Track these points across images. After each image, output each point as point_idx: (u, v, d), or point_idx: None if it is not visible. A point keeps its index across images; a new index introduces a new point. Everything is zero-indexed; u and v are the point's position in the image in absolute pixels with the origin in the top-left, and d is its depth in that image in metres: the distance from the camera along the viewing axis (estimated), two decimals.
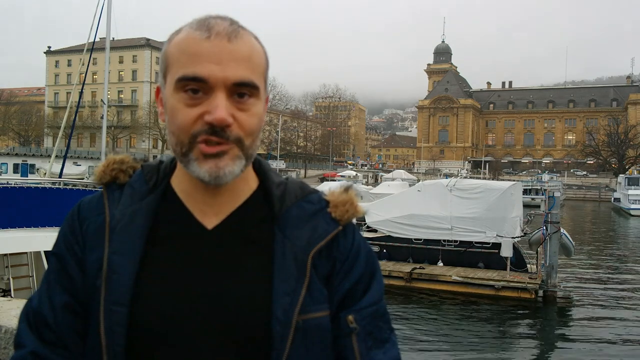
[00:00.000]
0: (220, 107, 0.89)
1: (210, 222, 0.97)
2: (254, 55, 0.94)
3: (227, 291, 0.93)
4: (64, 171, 15.77)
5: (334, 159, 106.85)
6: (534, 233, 15.54)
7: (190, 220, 0.97)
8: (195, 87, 0.90)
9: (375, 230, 16.92)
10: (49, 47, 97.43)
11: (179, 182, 1.01)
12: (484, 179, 48.63)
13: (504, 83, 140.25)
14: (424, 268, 15.74)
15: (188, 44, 0.91)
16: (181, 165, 0.96)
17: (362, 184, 51.99)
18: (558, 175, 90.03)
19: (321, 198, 1.04)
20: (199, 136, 0.90)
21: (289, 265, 0.95)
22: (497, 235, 15.34)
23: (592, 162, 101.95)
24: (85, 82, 18.51)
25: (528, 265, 15.50)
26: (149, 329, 0.90)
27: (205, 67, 0.89)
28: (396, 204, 17.12)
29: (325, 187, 1.11)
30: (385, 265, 15.72)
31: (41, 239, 7.00)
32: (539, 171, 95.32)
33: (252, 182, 1.03)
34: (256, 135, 0.95)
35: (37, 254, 7.86)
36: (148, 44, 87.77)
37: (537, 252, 15.21)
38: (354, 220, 1.06)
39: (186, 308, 0.91)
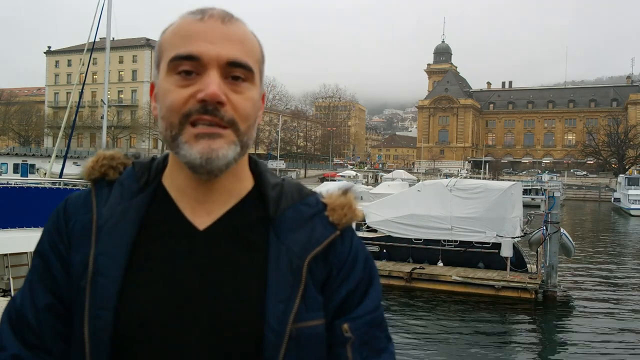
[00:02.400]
0: (212, 83, 0.86)
1: (202, 221, 0.93)
2: (247, 39, 0.92)
3: (218, 297, 0.89)
4: (64, 171, 15.72)
5: (334, 159, 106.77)
6: (534, 233, 15.53)
7: (181, 220, 0.93)
8: (188, 67, 0.87)
9: (375, 230, 16.92)
10: (49, 47, 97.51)
11: (171, 178, 0.96)
12: (484, 179, 48.59)
13: (504, 83, 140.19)
14: (424, 268, 15.73)
15: (181, 28, 0.91)
16: (172, 152, 0.92)
17: (362, 184, 51.95)
18: (558, 175, 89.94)
19: (318, 201, 1.00)
20: (191, 116, 0.87)
21: (284, 271, 0.91)
22: (497, 235, 15.34)
23: (592, 162, 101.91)
24: (85, 82, 18.53)
25: (528, 265, 15.50)
26: (134, 335, 0.86)
27: (198, 45, 0.87)
28: (396, 204, 17.11)
29: (324, 188, 1.08)
30: (385, 265, 15.73)
31: None
32: (539, 171, 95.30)
33: (247, 182, 0.98)
34: (252, 122, 0.92)
35: None
36: (148, 44, 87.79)
37: (537, 252, 15.20)
38: (354, 224, 1.02)
39: (174, 314, 0.87)
